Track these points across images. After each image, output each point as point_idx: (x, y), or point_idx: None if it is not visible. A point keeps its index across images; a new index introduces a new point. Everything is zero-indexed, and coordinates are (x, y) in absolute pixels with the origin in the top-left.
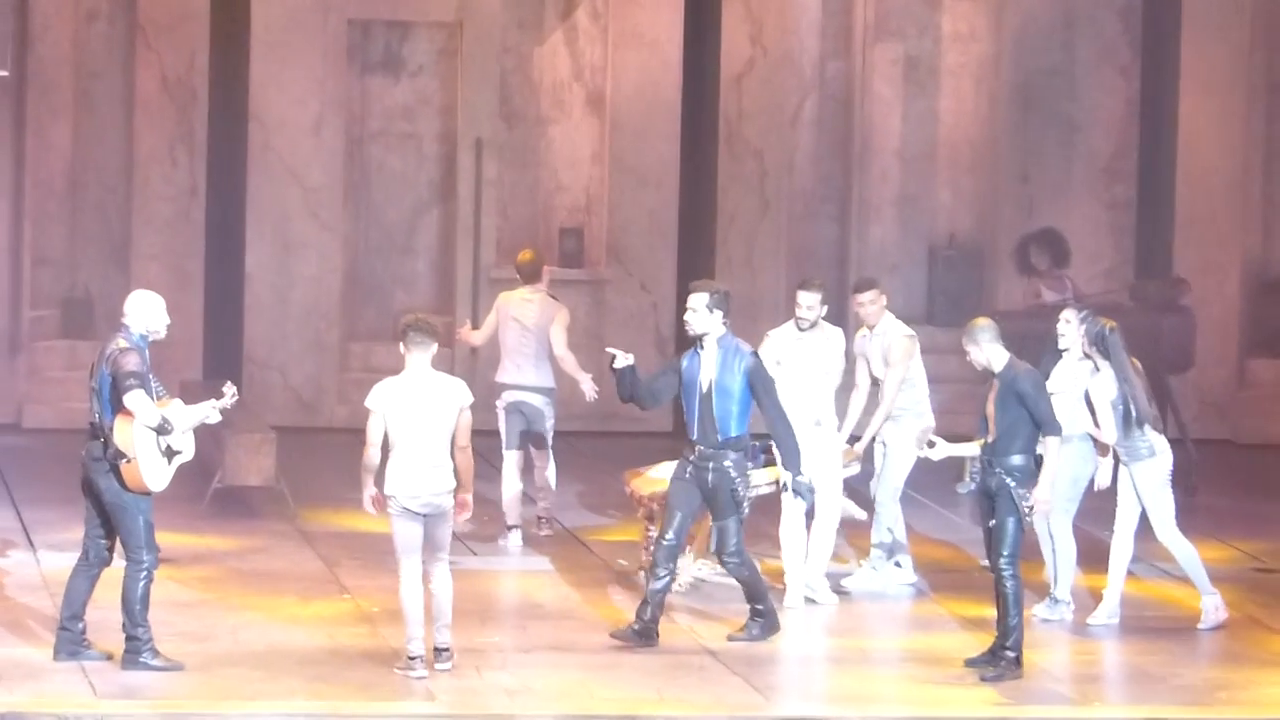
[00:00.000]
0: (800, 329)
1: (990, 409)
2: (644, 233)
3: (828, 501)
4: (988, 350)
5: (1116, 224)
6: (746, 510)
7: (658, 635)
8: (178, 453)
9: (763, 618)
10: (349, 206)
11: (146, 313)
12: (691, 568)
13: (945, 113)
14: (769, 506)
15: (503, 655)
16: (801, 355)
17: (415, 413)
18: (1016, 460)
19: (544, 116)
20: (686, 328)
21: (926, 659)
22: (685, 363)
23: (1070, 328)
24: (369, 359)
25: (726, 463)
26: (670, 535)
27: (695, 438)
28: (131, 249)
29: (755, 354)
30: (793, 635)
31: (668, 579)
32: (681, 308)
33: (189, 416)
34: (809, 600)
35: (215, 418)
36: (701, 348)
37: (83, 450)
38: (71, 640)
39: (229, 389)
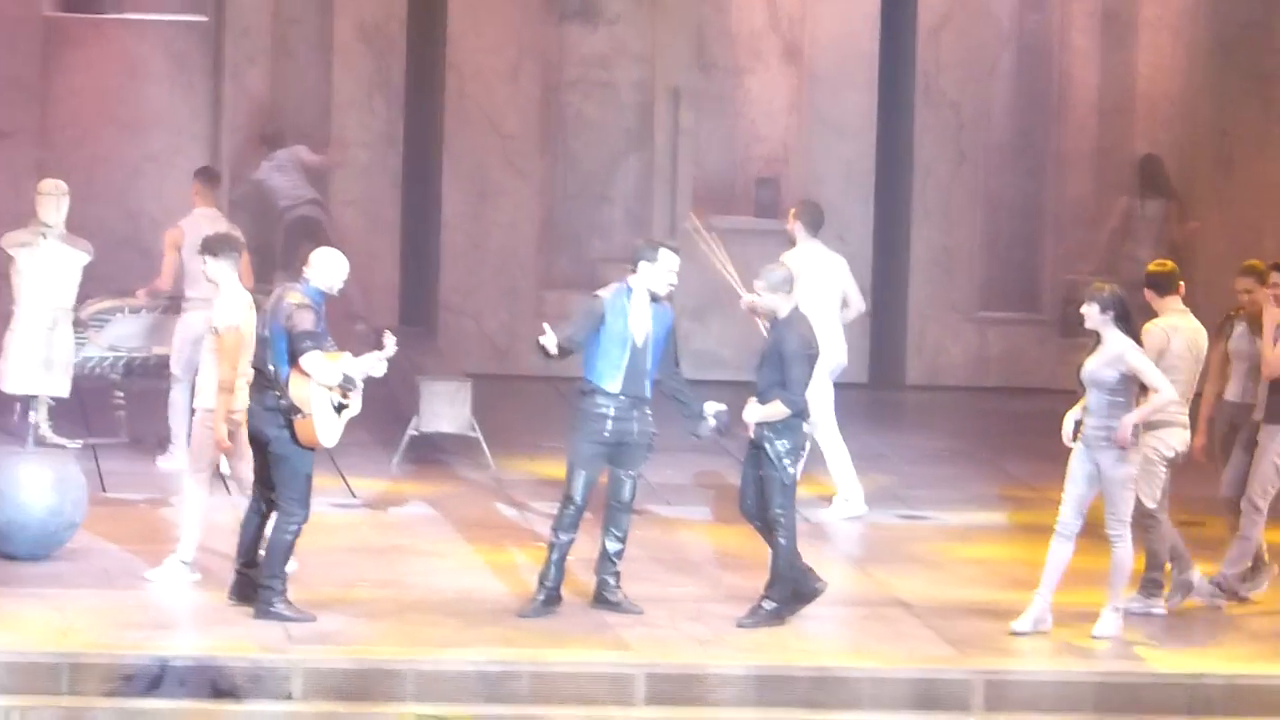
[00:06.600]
0: None
1: None
2: (840, 183)
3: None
4: None
5: None
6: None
7: (561, 597)
8: (345, 406)
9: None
10: (545, 154)
11: (330, 270)
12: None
13: (1143, 65)
14: None
15: (696, 605)
16: None
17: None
18: None
19: (740, 66)
20: (669, 287)
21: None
22: (608, 313)
23: None
24: (564, 307)
25: (649, 411)
26: (579, 499)
27: (620, 390)
28: (329, 195)
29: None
30: (983, 587)
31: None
32: (878, 260)
33: (356, 370)
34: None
35: (380, 370)
36: (631, 298)
37: (251, 399)
38: (246, 584)
39: (389, 339)
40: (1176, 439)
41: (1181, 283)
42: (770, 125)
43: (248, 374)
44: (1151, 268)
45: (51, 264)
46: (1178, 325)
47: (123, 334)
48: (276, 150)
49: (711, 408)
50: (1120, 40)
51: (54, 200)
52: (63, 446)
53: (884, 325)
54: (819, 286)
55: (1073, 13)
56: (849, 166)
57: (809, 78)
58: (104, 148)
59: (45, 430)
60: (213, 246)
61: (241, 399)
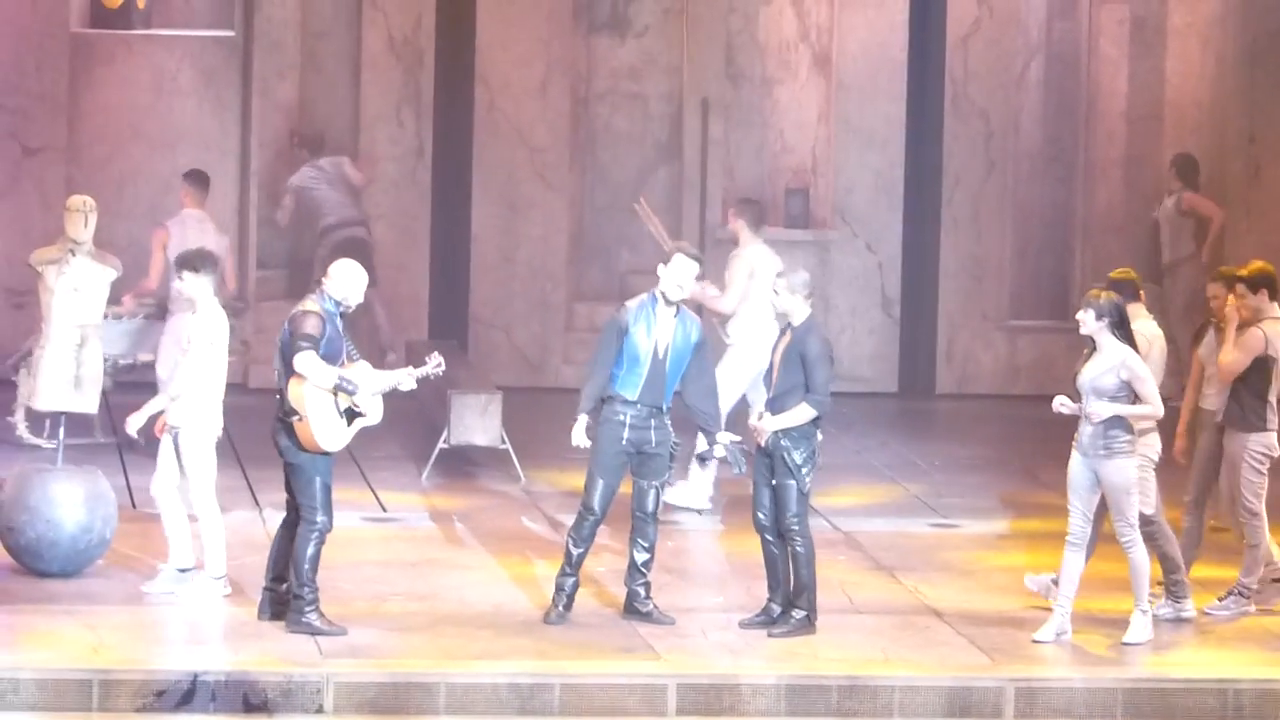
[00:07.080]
0: None
1: None
2: (870, 193)
3: None
4: None
5: None
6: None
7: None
8: (360, 415)
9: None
10: (575, 167)
11: (348, 283)
12: None
13: (1172, 73)
14: None
15: (727, 616)
16: None
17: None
18: None
19: (770, 77)
20: (679, 291)
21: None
22: (631, 323)
23: None
24: (594, 319)
25: (668, 421)
26: (598, 508)
27: (637, 398)
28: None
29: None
30: (1015, 595)
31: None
32: (908, 269)
33: (378, 381)
34: None
35: (409, 385)
36: (656, 308)
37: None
38: (275, 600)
39: (434, 358)
40: (1159, 443)
41: (1142, 290)
42: (799, 135)
43: (220, 390)
44: (1114, 275)
45: (80, 281)
46: (1157, 332)
47: (107, 339)
48: (320, 158)
49: (725, 437)
50: (1149, 48)
51: (82, 217)
52: (38, 446)
53: (914, 334)
54: (764, 286)
55: (1101, 21)
56: (878, 176)
57: (838, 88)
58: (133, 164)
59: (21, 430)
60: (192, 262)
61: (218, 415)
